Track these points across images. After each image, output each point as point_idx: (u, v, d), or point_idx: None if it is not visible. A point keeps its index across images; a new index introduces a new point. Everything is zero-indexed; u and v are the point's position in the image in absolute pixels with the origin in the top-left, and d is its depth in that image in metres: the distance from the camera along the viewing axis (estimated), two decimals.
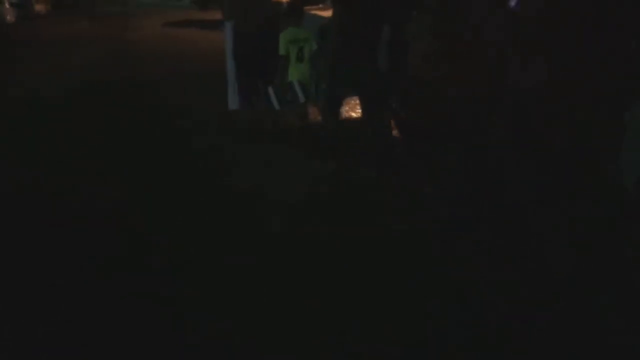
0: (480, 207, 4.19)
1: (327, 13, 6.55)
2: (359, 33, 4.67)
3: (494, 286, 3.36)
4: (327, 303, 3.18)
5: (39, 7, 17.32)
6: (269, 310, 3.11)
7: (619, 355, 2.85)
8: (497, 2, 4.24)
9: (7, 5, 15.77)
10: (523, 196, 4.24)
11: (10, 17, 15.79)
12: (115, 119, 6.58)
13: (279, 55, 5.40)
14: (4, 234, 3.93)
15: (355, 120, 6.07)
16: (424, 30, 4.35)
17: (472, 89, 3.96)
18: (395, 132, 5.28)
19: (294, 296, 3.25)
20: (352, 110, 6.36)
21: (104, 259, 3.62)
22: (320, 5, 8.03)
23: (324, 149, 5.24)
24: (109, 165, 5.19)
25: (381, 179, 4.69)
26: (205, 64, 9.23)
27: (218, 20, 13.87)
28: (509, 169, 4.42)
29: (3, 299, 3.19)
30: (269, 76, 5.56)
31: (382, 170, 4.68)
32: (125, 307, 3.12)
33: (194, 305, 3.16)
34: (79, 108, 7.07)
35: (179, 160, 5.35)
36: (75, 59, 10.13)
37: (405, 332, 2.95)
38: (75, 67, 9.45)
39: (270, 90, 5.47)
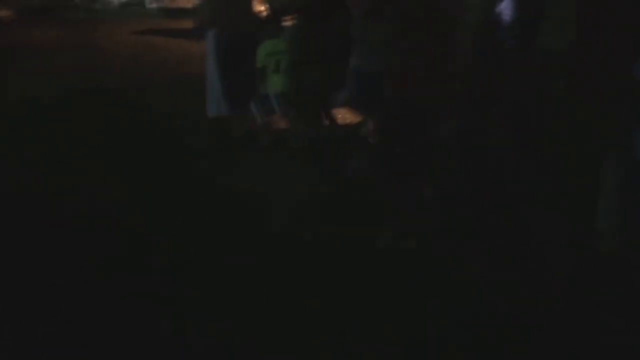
0: (480, 207, 4.20)
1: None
2: (321, 43, 4.71)
3: (494, 286, 3.36)
4: (327, 303, 3.18)
5: (2, 13, 16.75)
6: (269, 310, 3.11)
7: (619, 355, 2.86)
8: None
9: None
10: (523, 196, 4.24)
11: None
12: (107, 123, 6.43)
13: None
14: (4, 234, 3.93)
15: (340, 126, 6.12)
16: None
17: (445, 90, 3.93)
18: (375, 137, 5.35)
19: (294, 296, 3.25)
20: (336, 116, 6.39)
21: (104, 259, 3.61)
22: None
23: (317, 152, 5.20)
24: (107, 170, 5.14)
25: (375, 180, 4.67)
26: (184, 71, 9.05)
27: (189, 29, 13.87)
28: (509, 169, 4.43)
29: (3, 299, 3.18)
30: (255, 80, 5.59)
31: (375, 172, 4.65)
32: (125, 307, 3.12)
33: (194, 305, 3.16)
34: (74, 111, 6.93)
35: (177, 164, 5.32)
36: (53, 65, 9.80)
37: (405, 332, 2.95)
38: (56, 73, 9.15)
39: (252, 105, 5.50)
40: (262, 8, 5.98)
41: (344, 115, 6.11)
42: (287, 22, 5.23)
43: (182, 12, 17.25)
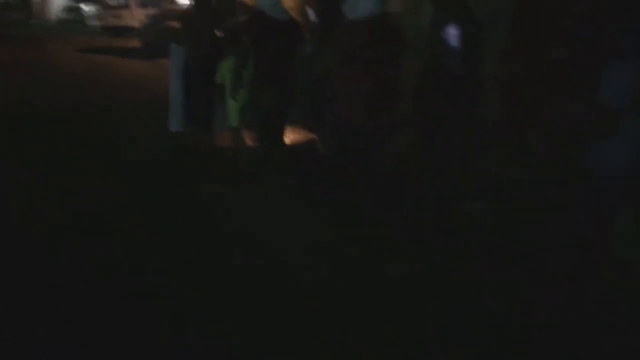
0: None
1: None
2: (273, 66, 4.77)
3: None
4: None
5: None
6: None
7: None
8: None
9: None
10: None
11: None
12: (80, 140, 6.33)
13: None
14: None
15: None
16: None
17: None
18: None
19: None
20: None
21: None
22: None
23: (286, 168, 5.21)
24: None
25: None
26: (139, 92, 8.93)
27: (135, 48, 13.58)
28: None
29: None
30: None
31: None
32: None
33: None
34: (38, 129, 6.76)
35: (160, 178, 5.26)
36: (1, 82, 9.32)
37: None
38: (6, 90, 8.76)
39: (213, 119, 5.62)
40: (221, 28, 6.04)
41: (295, 133, 6.20)
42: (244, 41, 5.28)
43: (126, 31, 16.91)
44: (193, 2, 6.11)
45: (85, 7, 24.60)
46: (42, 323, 2.98)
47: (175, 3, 16.77)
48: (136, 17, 17.31)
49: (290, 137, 6.06)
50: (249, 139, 5.75)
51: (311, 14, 5.92)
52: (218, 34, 5.88)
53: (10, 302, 3.16)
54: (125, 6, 18.27)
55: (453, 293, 3.29)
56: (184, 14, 6.33)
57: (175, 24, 8.38)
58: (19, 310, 3.10)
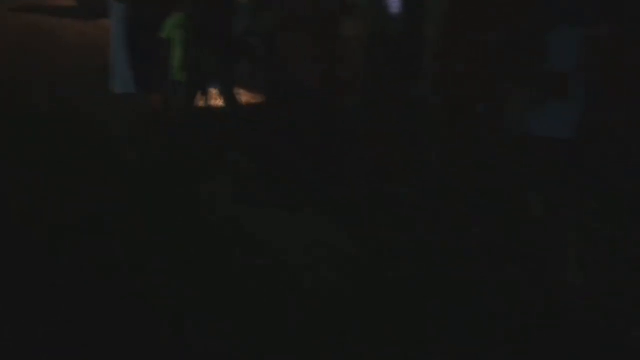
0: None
1: None
2: (213, 27, 4.74)
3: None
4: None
5: None
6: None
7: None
8: None
9: None
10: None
11: None
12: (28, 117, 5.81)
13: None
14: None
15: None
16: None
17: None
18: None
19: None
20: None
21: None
22: None
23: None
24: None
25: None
26: (80, 55, 8.32)
27: (71, 6, 13.13)
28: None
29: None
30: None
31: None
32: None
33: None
34: None
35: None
36: None
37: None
38: None
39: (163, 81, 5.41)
40: None
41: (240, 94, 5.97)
42: None
43: None
44: None
45: None
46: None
47: None
48: None
49: (243, 98, 5.86)
50: (197, 100, 5.50)
51: None
52: None
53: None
54: None
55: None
56: None
57: None
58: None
